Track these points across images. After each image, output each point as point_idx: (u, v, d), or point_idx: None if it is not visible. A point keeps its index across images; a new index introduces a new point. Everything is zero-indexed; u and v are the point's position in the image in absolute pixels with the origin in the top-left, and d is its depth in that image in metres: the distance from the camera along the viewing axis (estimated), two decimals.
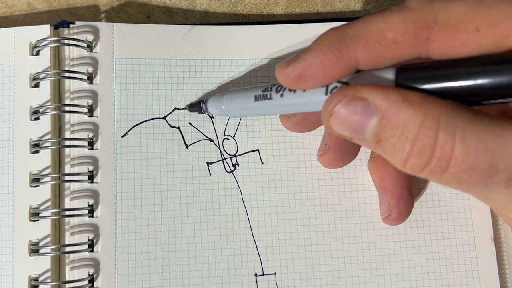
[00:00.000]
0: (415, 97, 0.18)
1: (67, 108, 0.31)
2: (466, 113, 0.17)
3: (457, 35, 0.18)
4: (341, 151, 0.29)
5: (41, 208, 0.30)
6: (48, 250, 0.29)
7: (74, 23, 0.32)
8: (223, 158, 0.32)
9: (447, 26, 0.18)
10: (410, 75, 0.19)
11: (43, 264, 0.29)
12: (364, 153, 0.32)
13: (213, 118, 0.32)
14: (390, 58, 0.19)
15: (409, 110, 0.18)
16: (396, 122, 0.18)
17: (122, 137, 0.31)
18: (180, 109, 0.32)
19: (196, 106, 0.31)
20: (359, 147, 0.30)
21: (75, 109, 0.31)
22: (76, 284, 0.29)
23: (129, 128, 0.31)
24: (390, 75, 0.19)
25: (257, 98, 0.25)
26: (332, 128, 0.20)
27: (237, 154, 0.32)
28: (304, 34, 0.33)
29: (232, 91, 0.28)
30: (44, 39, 0.31)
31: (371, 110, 0.19)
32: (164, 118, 0.32)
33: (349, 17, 0.36)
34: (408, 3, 0.19)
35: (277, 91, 0.24)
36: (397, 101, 0.18)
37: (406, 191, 0.29)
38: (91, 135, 0.31)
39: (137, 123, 0.31)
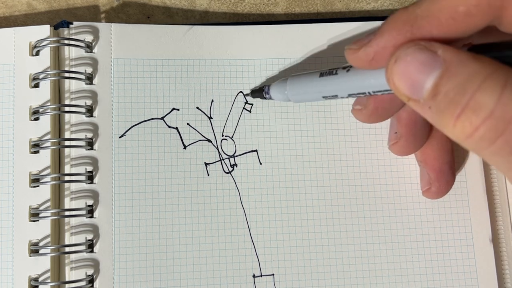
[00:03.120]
0: (485, 58, 0.17)
1: (66, 108, 0.31)
2: None
3: None
4: (413, 137, 0.29)
5: (40, 208, 0.30)
6: (47, 250, 0.29)
7: (73, 23, 0.32)
8: (221, 158, 0.32)
9: None
10: (481, 50, 0.18)
11: (43, 264, 0.30)
12: (364, 153, 0.32)
13: (212, 118, 0.32)
14: (464, 31, 0.19)
15: (476, 64, 0.17)
16: (459, 74, 0.17)
17: (120, 137, 0.31)
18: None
19: (259, 92, 0.31)
20: (430, 130, 0.29)
21: (75, 109, 0.31)
22: (75, 285, 0.29)
23: (127, 129, 0.31)
24: None
25: (322, 74, 0.26)
26: (393, 77, 0.19)
27: (235, 155, 0.32)
28: (304, 34, 0.33)
29: (295, 74, 0.28)
30: (43, 39, 0.31)
31: (436, 63, 0.18)
32: (162, 118, 0.32)
33: (349, 17, 0.36)
34: None
35: (343, 68, 0.25)
36: (466, 57, 0.17)
37: (447, 165, 0.30)
38: (90, 135, 0.31)
39: (135, 123, 0.31)
